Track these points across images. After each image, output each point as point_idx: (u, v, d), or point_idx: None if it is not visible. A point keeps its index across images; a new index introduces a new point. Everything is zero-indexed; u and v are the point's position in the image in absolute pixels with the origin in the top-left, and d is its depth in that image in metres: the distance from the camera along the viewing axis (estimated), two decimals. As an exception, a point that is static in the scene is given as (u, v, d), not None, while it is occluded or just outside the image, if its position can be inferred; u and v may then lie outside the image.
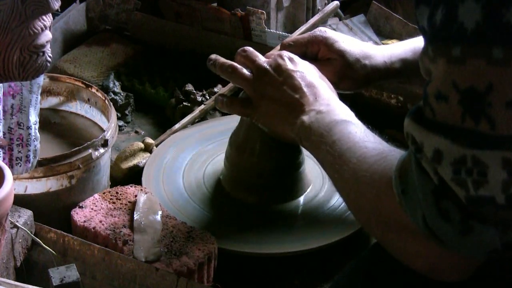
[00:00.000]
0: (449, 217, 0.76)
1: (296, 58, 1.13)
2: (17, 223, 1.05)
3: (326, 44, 1.16)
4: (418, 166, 0.78)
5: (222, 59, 1.16)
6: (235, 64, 1.15)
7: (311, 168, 1.30)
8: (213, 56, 1.17)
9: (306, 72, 1.11)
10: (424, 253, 0.82)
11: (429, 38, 0.76)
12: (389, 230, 0.86)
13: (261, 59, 1.14)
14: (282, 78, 1.10)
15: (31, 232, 1.07)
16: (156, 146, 1.37)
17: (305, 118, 1.04)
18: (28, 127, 1.09)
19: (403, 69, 1.17)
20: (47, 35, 0.91)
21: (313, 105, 1.05)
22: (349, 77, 1.16)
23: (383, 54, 1.17)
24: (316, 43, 1.17)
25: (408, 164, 0.81)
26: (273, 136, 1.15)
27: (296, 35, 1.54)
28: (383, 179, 0.85)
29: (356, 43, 1.19)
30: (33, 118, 1.09)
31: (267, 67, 1.12)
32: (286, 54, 1.13)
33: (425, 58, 0.77)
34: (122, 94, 1.52)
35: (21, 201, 1.09)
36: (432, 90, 0.76)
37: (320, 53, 1.18)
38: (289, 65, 1.11)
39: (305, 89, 1.08)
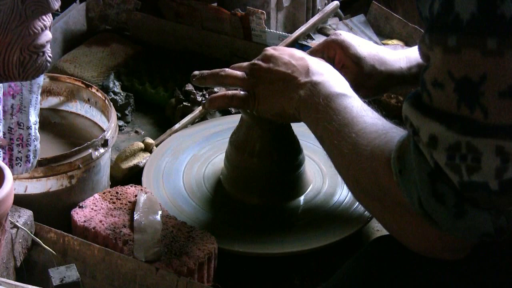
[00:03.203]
0: (444, 200, 0.78)
1: (280, 47, 1.16)
2: (17, 223, 1.05)
3: (341, 47, 1.16)
4: (416, 148, 0.80)
5: (207, 71, 1.16)
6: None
7: (311, 168, 1.30)
8: (196, 72, 1.17)
9: (293, 51, 1.13)
10: (419, 231, 0.84)
11: (428, 27, 0.77)
12: (386, 207, 0.87)
13: (248, 62, 1.16)
14: (271, 63, 1.11)
15: (31, 232, 1.07)
16: (156, 146, 1.37)
17: (301, 91, 1.06)
18: (28, 127, 1.09)
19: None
20: (47, 35, 0.91)
21: (307, 77, 1.07)
22: (365, 85, 1.15)
23: (399, 59, 1.16)
24: (332, 47, 1.17)
25: (406, 145, 0.82)
26: (275, 120, 1.15)
27: (296, 35, 1.55)
28: (384, 154, 0.86)
29: (372, 47, 1.18)
30: (33, 118, 1.09)
31: (255, 61, 1.14)
32: (269, 47, 1.15)
33: (423, 46, 0.79)
34: (122, 94, 1.52)
35: (21, 201, 1.09)
36: (429, 77, 0.78)
37: (337, 58, 1.17)
38: (275, 52, 1.13)
39: (294, 62, 1.09)
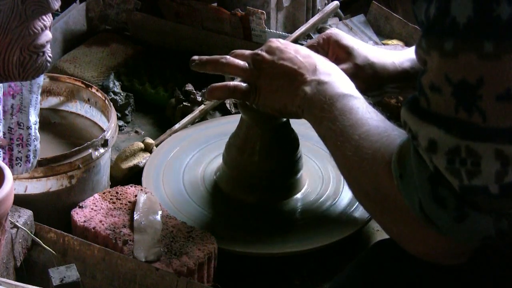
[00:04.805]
0: (444, 203, 0.78)
1: (285, 40, 1.14)
2: (17, 223, 1.05)
3: (335, 39, 1.16)
4: (416, 153, 0.80)
5: (207, 56, 1.14)
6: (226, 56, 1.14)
7: (311, 168, 1.30)
8: (196, 56, 1.15)
9: (298, 47, 1.11)
10: (419, 235, 0.84)
11: (424, 31, 0.77)
12: (387, 210, 0.87)
13: (251, 51, 1.14)
14: (276, 55, 1.10)
15: (31, 232, 1.07)
16: (156, 146, 1.37)
17: (307, 89, 1.04)
18: (28, 127, 1.09)
19: (414, 69, 1.16)
20: (47, 35, 0.91)
21: (313, 75, 1.05)
22: (359, 76, 1.14)
23: (392, 55, 1.16)
24: (326, 41, 1.17)
25: (407, 149, 0.82)
26: (274, 115, 1.14)
27: (296, 35, 1.55)
28: (385, 157, 0.86)
29: (364, 43, 1.19)
30: (33, 118, 1.09)
31: (259, 51, 1.12)
32: (274, 38, 1.13)
33: (419, 50, 0.79)
34: (122, 94, 1.52)
35: (21, 201, 1.09)
36: (426, 81, 0.77)
37: (330, 50, 1.17)
38: (280, 45, 1.11)
39: (301, 59, 1.08)
